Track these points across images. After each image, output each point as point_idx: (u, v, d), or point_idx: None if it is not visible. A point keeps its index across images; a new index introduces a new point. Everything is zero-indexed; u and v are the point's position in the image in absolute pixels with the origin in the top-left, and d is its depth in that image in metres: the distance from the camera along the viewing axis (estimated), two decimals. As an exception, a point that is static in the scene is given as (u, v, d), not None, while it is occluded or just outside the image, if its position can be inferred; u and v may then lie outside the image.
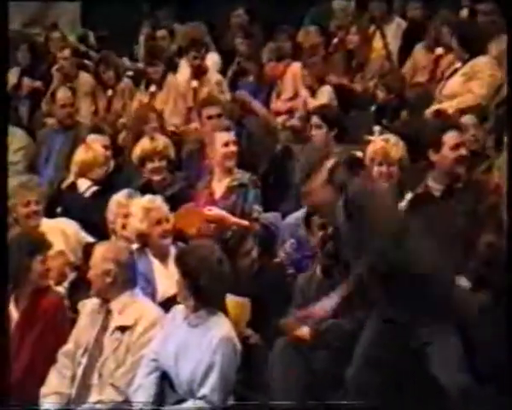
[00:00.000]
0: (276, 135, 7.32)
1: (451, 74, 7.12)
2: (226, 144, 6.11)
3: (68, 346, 4.91)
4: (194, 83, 8.21)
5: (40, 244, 5.20)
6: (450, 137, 5.11)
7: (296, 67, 8.40)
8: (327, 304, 4.37)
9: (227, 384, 4.55)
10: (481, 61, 7.04)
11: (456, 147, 5.09)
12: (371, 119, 7.54)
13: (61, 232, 5.97)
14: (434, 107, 6.93)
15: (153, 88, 8.32)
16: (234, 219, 5.78)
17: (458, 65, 7.13)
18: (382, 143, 5.62)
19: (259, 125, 7.22)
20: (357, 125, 7.66)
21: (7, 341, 3.71)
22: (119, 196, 5.89)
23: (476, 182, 5.19)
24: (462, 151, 5.09)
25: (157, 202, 5.53)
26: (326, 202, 4.40)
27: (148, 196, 5.65)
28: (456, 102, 6.82)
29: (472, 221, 4.93)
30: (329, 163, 4.44)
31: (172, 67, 8.83)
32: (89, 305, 5.01)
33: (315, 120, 6.62)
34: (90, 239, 5.98)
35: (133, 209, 5.54)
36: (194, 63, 8.31)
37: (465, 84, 6.98)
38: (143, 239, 5.47)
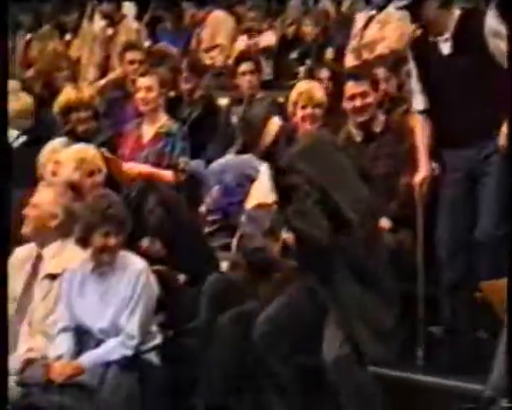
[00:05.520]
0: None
1: (368, 22, 7.23)
2: (139, 90, 6.17)
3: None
4: (110, 30, 8.18)
5: None
6: (347, 88, 5.17)
7: (217, 14, 8.44)
8: None
9: (148, 318, 4.65)
10: (391, 6, 7.14)
11: (351, 97, 5.13)
12: (295, 64, 7.67)
13: None
14: (352, 62, 7.05)
15: (68, 36, 8.26)
16: (158, 173, 5.83)
17: (373, 12, 7.25)
18: (306, 86, 5.70)
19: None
20: (282, 70, 7.80)
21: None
22: (54, 143, 5.87)
23: (394, 125, 5.26)
24: (357, 102, 5.10)
25: (90, 152, 5.47)
26: None
27: (81, 145, 5.58)
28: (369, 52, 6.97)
29: (392, 164, 5.04)
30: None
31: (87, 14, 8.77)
32: (19, 253, 4.98)
33: (244, 66, 6.66)
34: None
35: (65, 158, 5.48)
36: (110, 11, 8.25)
37: (380, 31, 7.11)
38: (74, 189, 5.35)
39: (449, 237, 4.69)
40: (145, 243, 5.21)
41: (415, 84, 4.86)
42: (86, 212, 4.63)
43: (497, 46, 4.58)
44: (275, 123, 5.02)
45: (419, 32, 4.91)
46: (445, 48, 4.69)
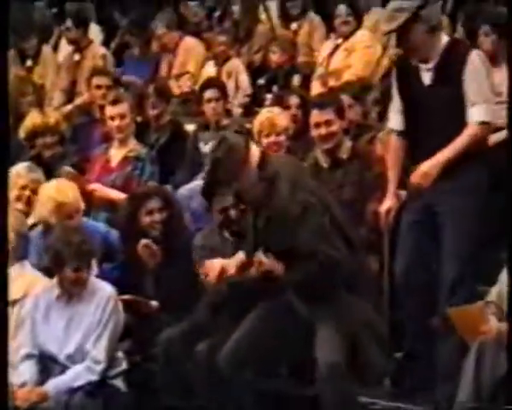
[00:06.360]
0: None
1: (334, 50, 7.32)
2: (112, 118, 6.17)
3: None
4: (77, 56, 8.18)
5: None
6: (312, 116, 5.23)
7: (189, 41, 8.47)
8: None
9: (115, 343, 4.65)
10: (358, 35, 7.31)
11: (317, 125, 5.18)
12: (263, 90, 7.70)
13: None
14: (318, 89, 7.10)
15: (29, 62, 8.25)
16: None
17: (339, 41, 7.35)
18: (268, 114, 5.73)
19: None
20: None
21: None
22: (18, 168, 5.80)
23: (361, 153, 5.29)
24: (322, 130, 5.15)
25: (70, 194, 5.27)
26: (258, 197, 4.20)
27: (62, 184, 5.37)
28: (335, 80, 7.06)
29: (359, 190, 5.08)
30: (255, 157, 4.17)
31: (48, 39, 8.76)
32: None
33: (208, 93, 6.66)
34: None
35: (44, 196, 5.34)
36: (76, 37, 8.25)
37: (346, 60, 7.21)
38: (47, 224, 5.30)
39: (409, 263, 4.68)
40: (143, 242, 5.11)
41: (394, 103, 4.79)
42: (58, 244, 4.62)
43: (471, 89, 4.49)
44: (256, 151, 4.21)
45: (401, 52, 4.82)
46: (427, 77, 4.63)
